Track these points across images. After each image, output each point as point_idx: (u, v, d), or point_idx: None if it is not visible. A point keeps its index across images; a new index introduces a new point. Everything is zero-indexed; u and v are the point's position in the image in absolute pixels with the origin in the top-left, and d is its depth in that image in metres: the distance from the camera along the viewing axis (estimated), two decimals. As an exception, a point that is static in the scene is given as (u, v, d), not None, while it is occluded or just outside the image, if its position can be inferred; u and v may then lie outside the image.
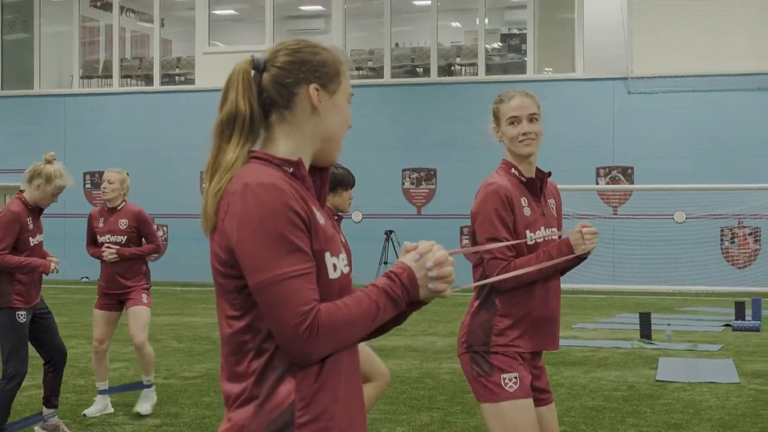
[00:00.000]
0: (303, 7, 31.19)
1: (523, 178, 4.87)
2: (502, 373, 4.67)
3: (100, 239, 9.37)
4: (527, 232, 4.77)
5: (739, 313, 16.73)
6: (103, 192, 9.43)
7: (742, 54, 24.43)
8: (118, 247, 9.28)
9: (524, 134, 4.83)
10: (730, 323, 16.39)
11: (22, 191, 8.15)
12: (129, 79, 29.96)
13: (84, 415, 9.11)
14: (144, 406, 9.19)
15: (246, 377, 2.65)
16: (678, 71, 24.75)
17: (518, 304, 4.75)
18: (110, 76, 29.56)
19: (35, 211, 8.18)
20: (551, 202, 5.01)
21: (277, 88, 2.74)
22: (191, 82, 28.91)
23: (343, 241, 3.14)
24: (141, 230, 9.45)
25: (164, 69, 29.39)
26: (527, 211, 4.80)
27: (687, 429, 8.56)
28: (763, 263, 24.27)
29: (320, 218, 2.69)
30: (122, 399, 9.86)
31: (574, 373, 11.49)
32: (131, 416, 9.06)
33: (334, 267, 2.69)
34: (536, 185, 4.90)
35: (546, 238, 4.86)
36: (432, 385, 10.72)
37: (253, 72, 2.76)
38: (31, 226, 8.10)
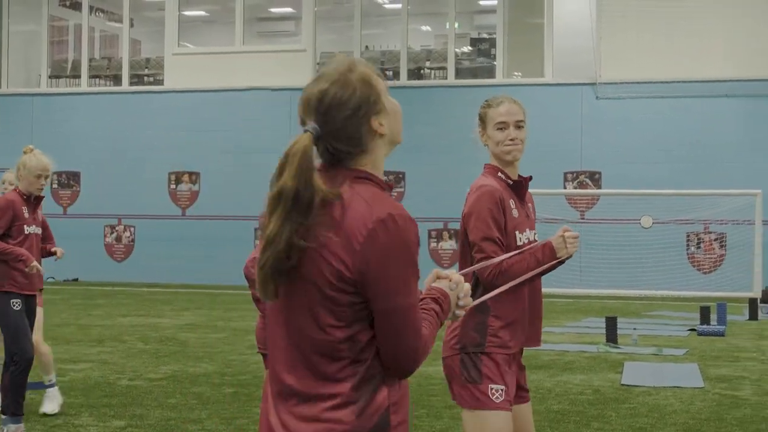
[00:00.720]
0: (273, 9, 31.16)
1: (510, 181, 4.99)
2: (491, 383, 4.75)
3: None
4: (516, 233, 4.89)
5: (704, 318, 16.84)
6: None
7: (710, 60, 24.58)
8: None
9: (511, 140, 4.96)
10: (695, 328, 16.49)
11: (17, 186, 8.43)
12: (98, 79, 29.83)
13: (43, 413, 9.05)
14: (49, 405, 9.16)
15: (339, 381, 2.92)
16: (646, 77, 24.89)
17: (509, 305, 4.84)
18: (79, 76, 29.42)
19: (31, 200, 8.36)
20: (530, 206, 5.15)
21: (345, 141, 3.01)
22: (160, 82, 28.82)
23: None
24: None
25: (133, 69, 29.28)
26: (515, 213, 4.92)
27: (651, 433, 8.61)
28: (728, 269, 24.42)
29: None
30: (88, 401, 9.81)
31: (540, 376, 11.52)
32: (96, 418, 9.02)
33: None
34: (522, 188, 5.04)
35: (530, 240, 4.98)
36: (425, 386, 10.71)
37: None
38: (26, 215, 8.30)
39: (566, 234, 4.93)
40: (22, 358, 8.12)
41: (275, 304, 3.01)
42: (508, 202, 4.89)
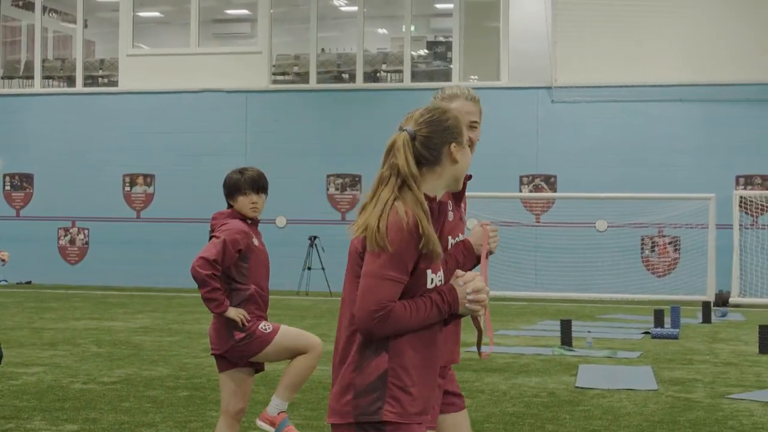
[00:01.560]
0: (229, 11, 31.08)
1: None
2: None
3: None
4: (449, 237, 4.63)
5: (658, 321, 16.95)
6: None
7: (665, 65, 24.77)
8: None
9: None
10: (649, 331, 16.58)
11: None
12: (51, 80, 29.61)
13: None
14: None
15: (353, 347, 3.74)
16: (601, 81, 25.04)
17: None
18: (32, 77, 29.19)
19: None
20: (463, 206, 4.86)
21: (426, 151, 3.80)
22: (114, 84, 28.65)
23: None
24: None
25: (87, 70, 29.08)
26: (450, 216, 4.66)
27: (605, 435, 8.64)
28: (682, 272, 24.62)
29: (427, 247, 3.69)
30: (41, 404, 9.72)
31: (495, 379, 11.54)
32: (48, 422, 8.93)
33: (432, 281, 3.73)
34: (461, 190, 4.65)
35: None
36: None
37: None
38: None
39: (490, 227, 4.60)
40: None
41: None
42: (446, 204, 4.58)
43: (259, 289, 6.67)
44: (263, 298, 6.70)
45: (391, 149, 3.83)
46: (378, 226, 3.65)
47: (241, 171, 6.73)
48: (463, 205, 4.84)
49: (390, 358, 3.66)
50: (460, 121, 3.86)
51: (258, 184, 6.70)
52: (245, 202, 6.67)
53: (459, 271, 3.78)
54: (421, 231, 3.66)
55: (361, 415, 3.68)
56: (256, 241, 6.64)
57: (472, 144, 4.66)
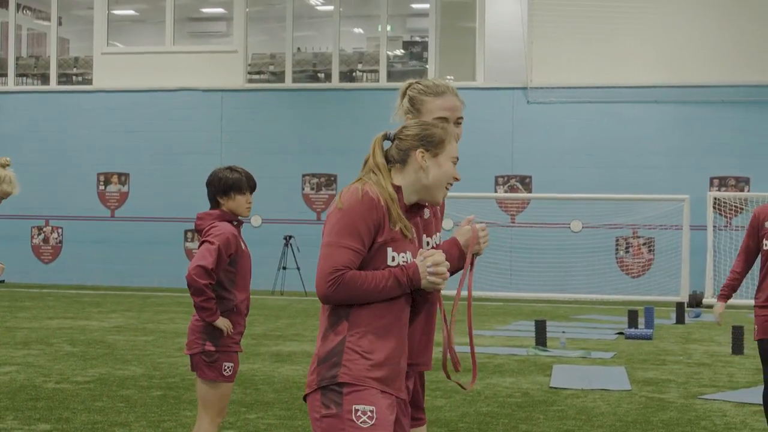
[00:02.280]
0: (204, 10, 30.99)
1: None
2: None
3: None
4: (424, 236, 4.46)
5: (632, 322, 17.01)
6: None
7: (640, 66, 24.87)
8: None
9: None
10: (623, 331, 16.64)
11: None
12: (25, 78, 29.46)
13: None
14: None
15: (325, 318, 3.98)
16: (577, 82, 25.12)
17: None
18: (5, 75, 29.05)
19: None
20: (437, 206, 4.62)
21: (397, 151, 4.08)
22: (89, 82, 28.52)
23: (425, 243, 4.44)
24: None
25: (61, 68, 28.96)
26: (426, 213, 4.49)
27: (579, 435, 8.67)
28: (656, 273, 24.71)
29: (393, 226, 3.93)
30: (13, 404, 9.67)
31: (470, 379, 11.54)
32: (21, 421, 8.89)
33: (393, 258, 3.92)
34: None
35: (435, 246, 4.51)
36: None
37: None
38: None
39: (478, 226, 4.44)
40: None
41: None
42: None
43: (243, 298, 6.59)
44: (245, 304, 6.64)
45: None
46: (336, 198, 3.98)
47: (235, 169, 6.61)
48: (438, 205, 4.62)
49: (349, 326, 3.86)
50: (447, 137, 4.07)
51: (254, 184, 6.66)
52: (242, 202, 6.57)
53: (422, 250, 3.96)
54: (385, 208, 3.91)
55: (322, 380, 3.85)
56: (242, 245, 6.58)
57: (457, 139, 4.42)
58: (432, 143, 4.05)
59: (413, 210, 4.13)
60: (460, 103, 4.59)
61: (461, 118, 4.59)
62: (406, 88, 4.69)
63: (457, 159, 4.14)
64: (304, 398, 3.97)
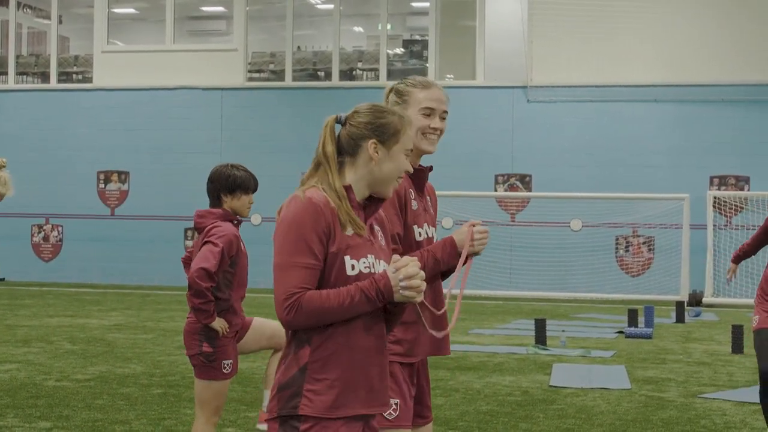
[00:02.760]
0: (204, 8, 30.99)
1: (410, 169, 4.33)
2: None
3: None
4: (414, 227, 4.49)
5: (632, 321, 17.01)
6: None
7: (640, 65, 24.86)
8: None
9: (434, 129, 4.54)
10: (623, 330, 16.64)
11: None
12: (25, 76, 29.46)
13: None
14: None
15: (287, 341, 3.69)
16: (577, 81, 25.12)
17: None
18: (5, 73, 29.04)
19: None
20: (428, 199, 4.70)
21: (347, 140, 3.79)
22: (89, 80, 28.52)
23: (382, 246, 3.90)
24: None
25: (61, 67, 28.95)
26: (414, 205, 4.51)
27: (579, 434, 8.67)
28: (656, 272, 24.72)
29: (347, 230, 3.64)
30: (13, 402, 9.68)
31: (470, 378, 11.56)
32: (21, 419, 8.89)
33: (352, 267, 3.62)
34: (422, 178, 4.61)
35: (429, 237, 4.55)
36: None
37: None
38: None
39: (475, 228, 4.48)
40: None
41: None
42: (407, 192, 4.47)
43: (238, 297, 6.61)
44: (240, 303, 6.65)
45: None
46: (280, 210, 3.70)
47: (240, 168, 6.59)
48: (429, 195, 4.71)
49: (312, 351, 3.59)
50: (403, 127, 3.78)
51: (257, 184, 6.66)
52: (245, 202, 6.56)
53: (395, 256, 3.60)
54: (333, 211, 3.63)
55: (282, 409, 3.60)
56: (242, 245, 6.58)
57: (441, 133, 4.60)
58: (386, 134, 3.77)
59: (370, 206, 3.81)
60: (445, 98, 4.62)
61: (446, 112, 4.62)
62: (390, 90, 4.72)
63: (411, 151, 3.83)
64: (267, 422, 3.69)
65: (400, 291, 3.55)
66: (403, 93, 4.60)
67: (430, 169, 4.66)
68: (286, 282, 3.54)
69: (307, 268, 3.55)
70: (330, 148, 3.78)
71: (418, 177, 4.59)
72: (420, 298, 3.58)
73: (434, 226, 4.64)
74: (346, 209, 3.65)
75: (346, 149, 3.78)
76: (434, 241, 4.60)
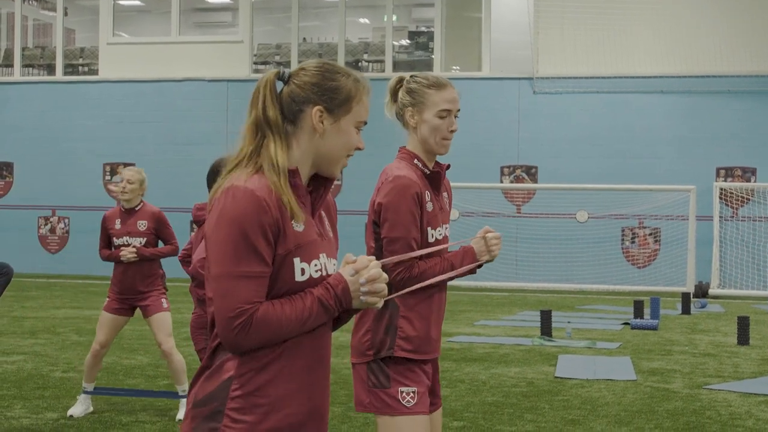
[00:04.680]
0: (210, 0, 30.98)
1: (427, 171, 4.56)
2: (400, 386, 4.41)
3: (117, 241, 9.16)
4: (428, 229, 4.50)
5: (638, 312, 17.01)
6: (122, 192, 9.17)
7: (646, 56, 24.82)
8: (138, 246, 9.05)
9: (451, 131, 4.56)
10: (628, 322, 16.64)
11: None
12: (31, 69, 29.48)
13: (71, 416, 8.73)
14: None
15: (210, 349, 3.03)
16: (583, 72, 25.08)
17: (418, 306, 4.50)
18: (11, 65, 29.05)
19: None
20: (445, 195, 4.72)
21: (288, 102, 3.12)
22: (95, 72, 28.53)
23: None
24: (160, 232, 9.25)
25: (67, 59, 28.96)
26: (429, 206, 4.50)
27: (584, 425, 8.68)
28: (662, 263, 24.70)
29: (297, 226, 3.02)
30: (21, 393, 9.71)
31: (475, 369, 11.58)
32: (28, 410, 8.92)
33: (302, 271, 3.01)
34: (438, 179, 4.61)
35: (442, 237, 4.60)
36: (333, 379, 10.72)
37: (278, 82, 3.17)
38: None
39: (488, 236, 4.58)
40: None
41: None
42: (424, 195, 4.48)
43: None
44: None
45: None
46: (212, 201, 3.00)
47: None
48: (446, 194, 4.73)
49: (240, 362, 2.95)
50: (357, 94, 3.15)
51: None
52: None
53: (349, 256, 3.06)
54: (278, 201, 2.98)
55: (197, 430, 3.00)
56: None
57: (453, 131, 4.62)
58: (335, 100, 3.11)
59: (317, 190, 3.20)
60: (458, 97, 4.65)
61: (459, 110, 4.67)
62: (396, 84, 4.74)
63: (365, 123, 3.21)
64: None
65: (361, 297, 3.02)
66: (417, 93, 4.59)
67: (447, 167, 4.68)
68: (233, 296, 2.87)
69: (257, 277, 2.90)
70: (272, 113, 3.09)
71: (435, 177, 4.61)
72: (381, 304, 3.07)
73: (448, 222, 4.68)
74: (289, 198, 2.99)
75: (285, 115, 3.12)
76: (447, 238, 4.65)
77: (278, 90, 3.15)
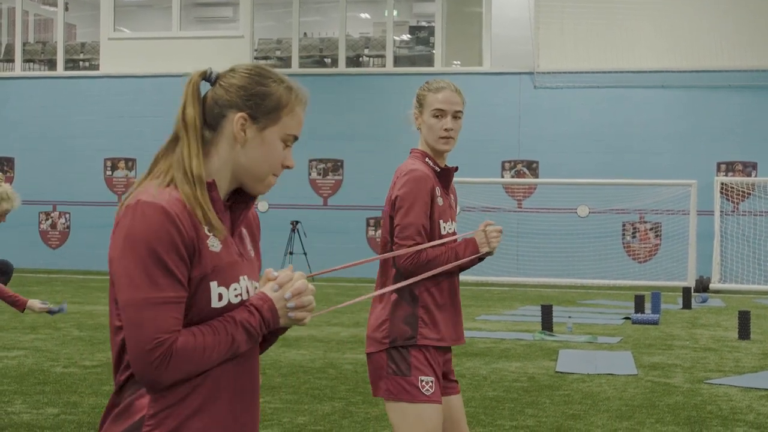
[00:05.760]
0: (211, -5, 30.98)
1: (437, 168, 4.86)
2: (421, 374, 4.64)
3: None
4: (440, 221, 4.79)
5: (639, 307, 17.01)
6: None
7: (647, 51, 24.81)
8: None
9: (446, 130, 4.82)
10: (629, 316, 16.64)
11: None
12: (32, 64, 29.47)
13: None
14: None
15: (118, 384, 2.68)
16: (584, 67, 25.07)
17: (435, 297, 4.74)
18: (12, 60, 29.05)
19: None
20: (452, 197, 5.01)
21: (211, 106, 2.78)
22: (96, 67, 28.53)
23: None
24: None
25: (68, 54, 28.95)
26: (440, 201, 4.81)
27: (585, 419, 8.68)
28: (663, 258, 24.70)
29: (214, 245, 2.66)
30: (21, 388, 9.71)
31: (476, 364, 11.58)
32: (29, 405, 8.93)
33: (220, 296, 2.64)
34: (448, 177, 4.92)
35: (452, 231, 4.87)
36: (335, 375, 10.73)
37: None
38: None
39: (488, 228, 4.87)
40: None
41: None
42: (435, 188, 4.79)
43: None
44: None
45: None
46: (117, 218, 2.65)
47: None
48: (452, 195, 5.01)
49: (152, 401, 2.61)
50: (288, 104, 2.81)
51: None
52: None
53: (269, 271, 2.74)
54: (192, 216, 2.63)
55: None
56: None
57: (456, 135, 4.89)
58: (262, 107, 2.75)
59: (237, 205, 2.82)
60: (459, 99, 4.90)
61: (460, 111, 4.90)
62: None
63: (296, 138, 2.86)
64: None
65: (289, 314, 2.71)
66: (420, 98, 4.91)
67: (456, 169, 4.98)
68: (149, 326, 2.53)
69: (174, 302, 2.56)
70: (191, 112, 2.80)
71: (445, 176, 4.91)
72: (309, 319, 2.77)
73: (455, 220, 4.97)
74: (206, 211, 2.64)
75: (207, 120, 2.79)
76: (455, 234, 4.93)
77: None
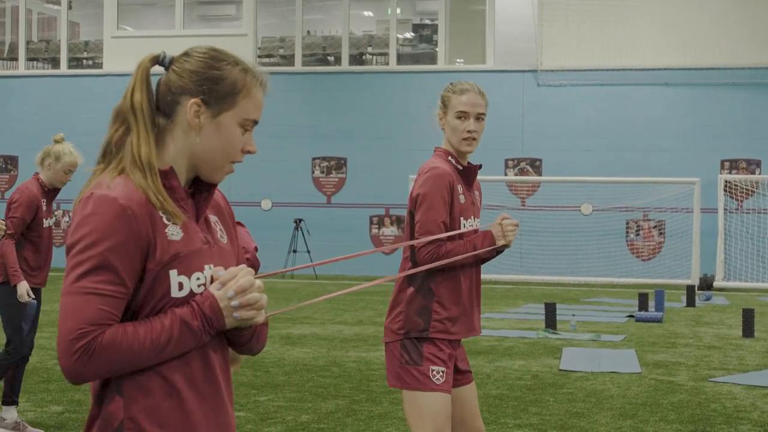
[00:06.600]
0: (214, -7, 30.97)
1: (459, 167, 5.01)
2: (432, 365, 4.81)
3: None
4: (461, 218, 4.93)
5: (643, 305, 17.00)
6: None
7: (651, 48, 24.78)
8: None
9: (469, 132, 4.96)
10: (633, 314, 16.63)
11: (37, 173, 8.31)
12: (35, 62, 29.48)
13: None
14: None
15: (92, 398, 2.62)
16: (587, 65, 25.06)
17: (450, 290, 4.89)
18: (16, 59, 29.06)
19: (50, 192, 8.32)
20: (476, 193, 5.17)
21: (164, 92, 2.67)
22: (99, 66, 28.53)
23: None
24: None
25: (72, 52, 28.96)
26: (462, 199, 4.95)
27: (588, 417, 8.67)
28: (667, 256, 24.69)
29: (173, 234, 2.57)
30: (25, 386, 9.71)
31: (480, 362, 11.57)
32: (33, 403, 8.93)
33: (180, 285, 2.55)
34: (470, 175, 5.06)
35: (473, 228, 5.02)
36: (338, 373, 10.73)
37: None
38: (44, 208, 8.27)
39: (504, 222, 5.01)
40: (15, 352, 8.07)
41: None
42: (456, 186, 4.93)
43: None
44: None
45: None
46: (75, 208, 2.59)
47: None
48: (477, 192, 5.18)
49: (126, 404, 2.54)
50: (245, 88, 2.70)
51: None
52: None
53: (219, 269, 2.61)
54: (154, 205, 2.55)
55: None
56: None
57: (478, 136, 5.02)
58: (216, 92, 2.65)
59: (199, 191, 2.73)
60: (482, 101, 5.03)
61: (483, 114, 5.03)
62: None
63: (255, 123, 2.74)
64: None
65: (234, 314, 2.55)
66: (444, 100, 5.05)
67: (479, 167, 5.13)
68: (76, 315, 2.44)
69: (109, 296, 2.47)
70: (139, 97, 2.65)
71: (468, 174, 5.06)
72: (261, 318, 2.60)
73: (478, 217, 5.13)
74: (159, 198, 2.56)
75: (161, 107, 2.67)
76: (477, 230, 5.09)
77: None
